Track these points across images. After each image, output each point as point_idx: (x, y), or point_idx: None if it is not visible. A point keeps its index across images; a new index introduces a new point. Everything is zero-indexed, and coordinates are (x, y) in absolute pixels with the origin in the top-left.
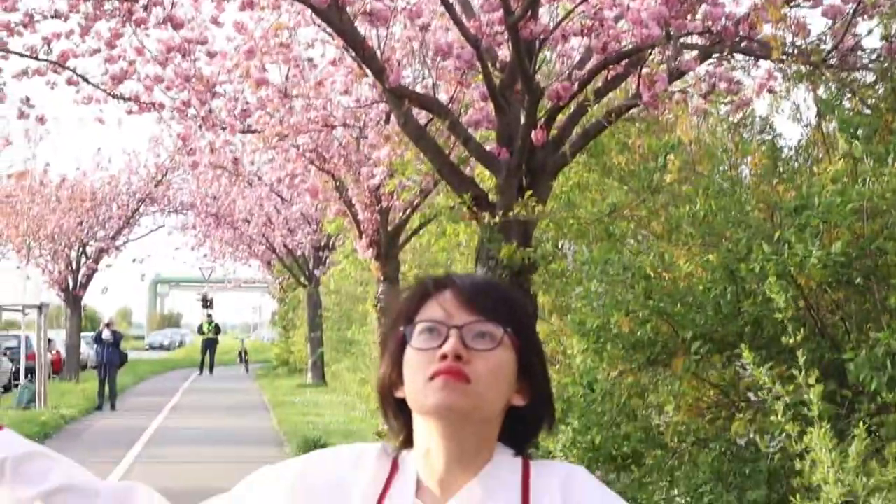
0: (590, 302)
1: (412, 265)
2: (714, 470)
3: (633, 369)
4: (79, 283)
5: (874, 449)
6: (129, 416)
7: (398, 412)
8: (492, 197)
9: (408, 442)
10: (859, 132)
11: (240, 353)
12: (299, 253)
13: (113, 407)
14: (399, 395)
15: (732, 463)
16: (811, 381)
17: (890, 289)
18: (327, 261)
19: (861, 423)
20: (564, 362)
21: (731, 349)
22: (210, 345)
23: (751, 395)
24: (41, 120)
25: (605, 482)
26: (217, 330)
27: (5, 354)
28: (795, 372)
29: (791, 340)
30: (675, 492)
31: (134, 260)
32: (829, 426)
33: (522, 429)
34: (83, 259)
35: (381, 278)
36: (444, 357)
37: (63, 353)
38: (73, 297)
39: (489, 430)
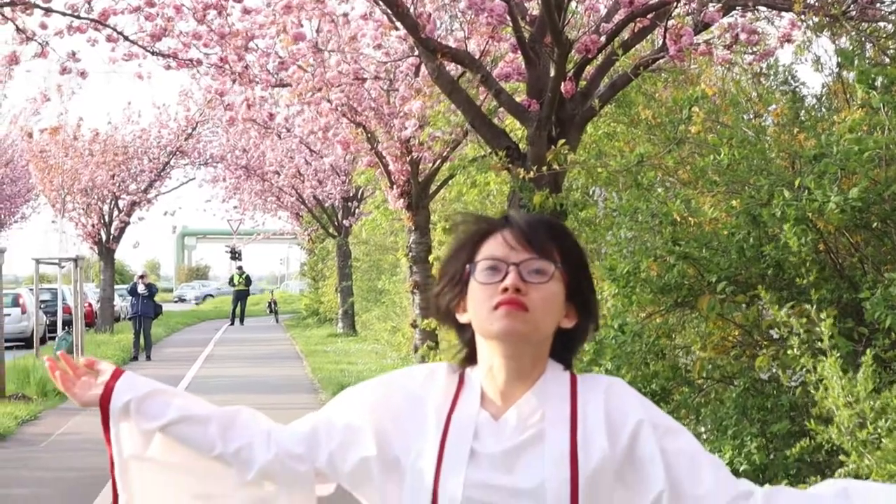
0: (619, 248)
1: (442, 215)
2: (738, 405)
3: (660, 312)
4: (111, 237)
5: (889, 381)
6: (165, 366)
7: (459, 333)
8: (522, 147)
9: (468, 359)
10: (878, 82)
11: (269, 304)
12: (328, 204)
13: (148, 357)
14: (462, 319)
15: (756, 398)
16: (822, 315)
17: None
18: (356, 211)
19: (868, 351)
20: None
21: (754, 290)
22: (241, 296)
23: (773, 332)
24: (82, 74)
25: None
26: (248, 281)
27: (41, 308)
28: (808, 307)
29: (804, 281)
30: (702, 429)
31: (165, 213)
32: (838, 355)
33: (570, 346)
34: (115, 212)
35: (412, 228)
36: (505, 290)
37: (95, 306)
38: (106, 250)
39: (542, 348)
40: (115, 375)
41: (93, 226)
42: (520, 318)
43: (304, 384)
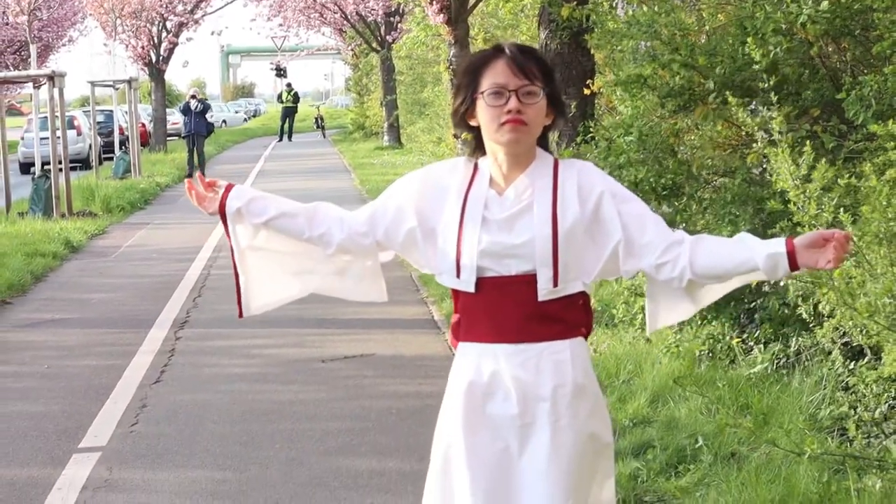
0: (631, 57)
1: (481, 28)
2: (738, 197)
3: (665, 115)
4: (161, 58)
5: (859, 172)
6: None
7: (470, 132)
8: None
9: (476, 150)
10: None
11: (316, 119)
12: (371, 19)
13: (203, 174)
14: (472, 123)
15: (753, 189)
16: (774, 112)
17: (874, 39)
18: (398, 27)
19: (809, 141)
20: (617, 110)
21: (747, 95)
22: (289, 113)
23: (762, 133)
24: None
25: None
26: (296, 98)
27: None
28: (768, 106)
29: (765, 84)
30: (710, 219)
31: (212, 32)
32: (787, 145)
33: (546, 134)
34: (164, 34)
35: (452, 41)
36: (509, 111)
37: (148, 126)
38: (156, 71)
39: (533, 143)
40: (228, 189)
41: (142, 47)
42: (521, 131)
43: (353, 195)
